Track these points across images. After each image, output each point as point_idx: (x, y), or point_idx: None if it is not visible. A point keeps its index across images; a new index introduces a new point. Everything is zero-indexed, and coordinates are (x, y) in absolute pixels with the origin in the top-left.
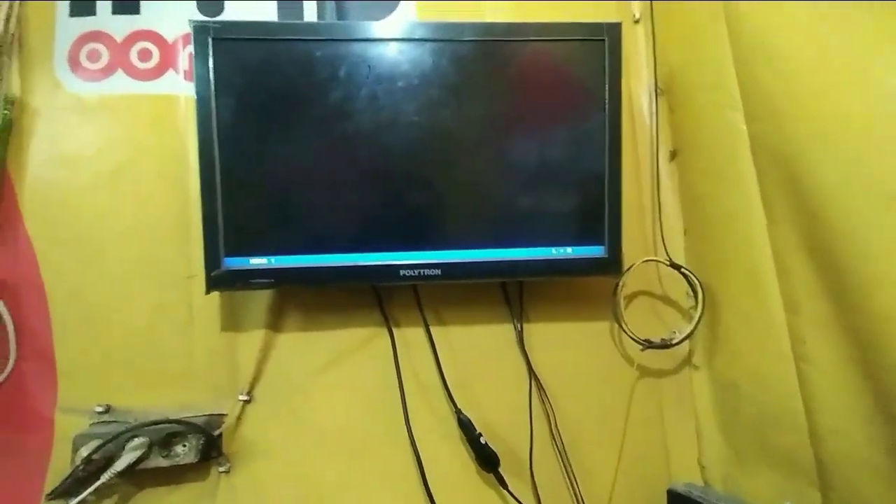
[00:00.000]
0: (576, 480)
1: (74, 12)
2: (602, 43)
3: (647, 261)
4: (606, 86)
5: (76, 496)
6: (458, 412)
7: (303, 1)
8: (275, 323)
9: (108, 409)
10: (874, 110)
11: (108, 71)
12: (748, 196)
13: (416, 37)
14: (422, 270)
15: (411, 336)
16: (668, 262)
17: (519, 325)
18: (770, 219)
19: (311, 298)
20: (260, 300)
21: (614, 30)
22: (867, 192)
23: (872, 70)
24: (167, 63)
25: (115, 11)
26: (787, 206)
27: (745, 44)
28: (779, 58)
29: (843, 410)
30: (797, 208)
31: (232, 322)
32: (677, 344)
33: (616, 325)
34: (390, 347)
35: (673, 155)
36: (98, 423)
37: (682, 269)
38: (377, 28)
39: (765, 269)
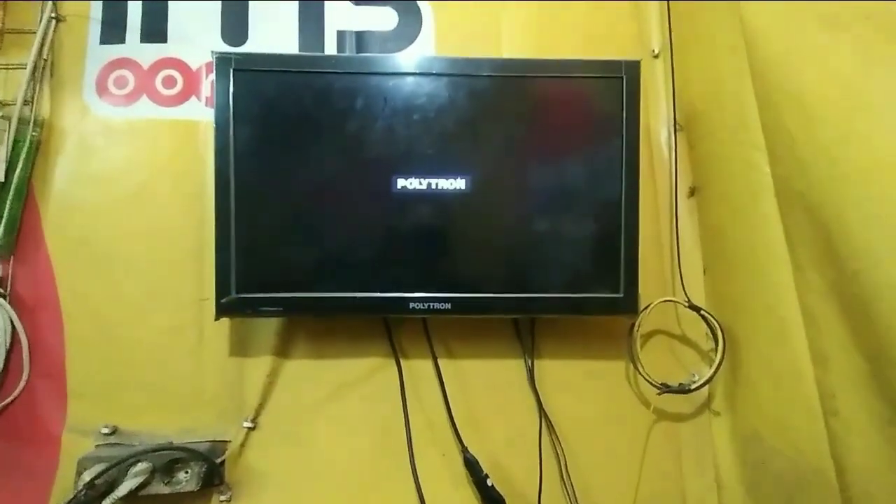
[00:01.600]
0: None
1: (105, 40)
2: (620, 81)
3: (664, 301)
4: (623, 124)
5: None
6: (464, 451)
7: (324, 30)
8: (283, 349)
9: (114, 431)
10: None
11: (133, 96)
12: (772, 239)
13: (434, 71)
14: (431, 304)
15: (419, 368)
16: (686, 304)
17: (530, 362)
18: (795, 265)
19: (319, 326)
20: (269, 325)
21: (632, 68)
22: None
23: None
24: (190, 90)
25: (143, 40)
26: (813, 253)
27: (768, 84)
28: (803, 101)
29: (879, 473)
30: (825, 256)
31: (240, 347)
32: (696, 389)
33: (631, 366)
34: (398, 379)
35: (692, 192)
36: (104, 444)
37: (702, 312)
38: (394, 61)
39: (790, 317)
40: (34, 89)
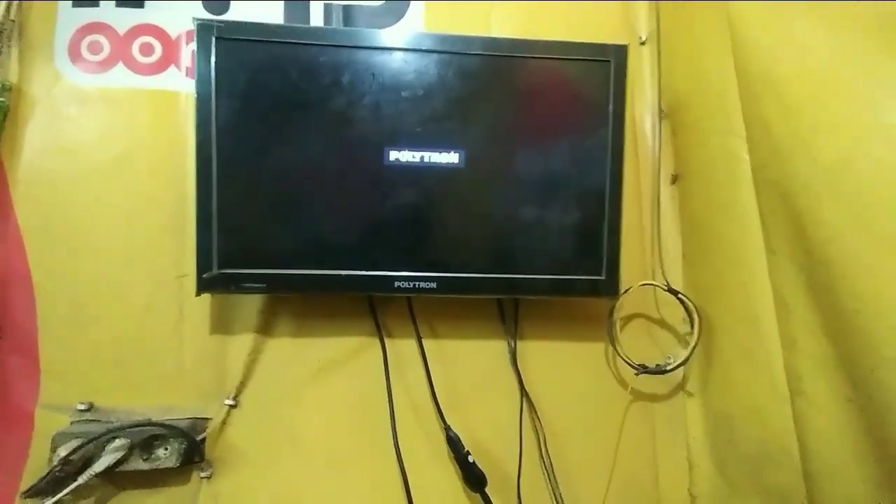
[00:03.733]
0: None
1: (77, 2)
2: (608, 64)
3: (644, 284)
4: (610, 108)
5: (53, 496)
6: (447, 428)
7: (310, 3)
8: (266, 327)
9: (90, 408)
10: (878, 150)
11: (108, 63)
12: (748, 226)
13: (423, 48)
14: (417, 283)
15: (403, 348)
16: (665, 287)
17: (513, 342)
18: (770, 251)
19: (303, 303)
20: (252, 303)
21: (620, 52)
22: (868, 233)
23: (877, 108)
24: (169, 59)
25: (119, 3)
26: (787, 240)
27: (750, 74)
28: (784, 92)
29: (839, 452)
30: (798, 243)
31: (222, 324)
32: (672, 370)
33: (611, 347)
34: (381, 358)
35: (674, 178)
36: (79, 421)
37: (679, 295)
38: (383, 36)
39: (763, 302)
40: (1, 52)
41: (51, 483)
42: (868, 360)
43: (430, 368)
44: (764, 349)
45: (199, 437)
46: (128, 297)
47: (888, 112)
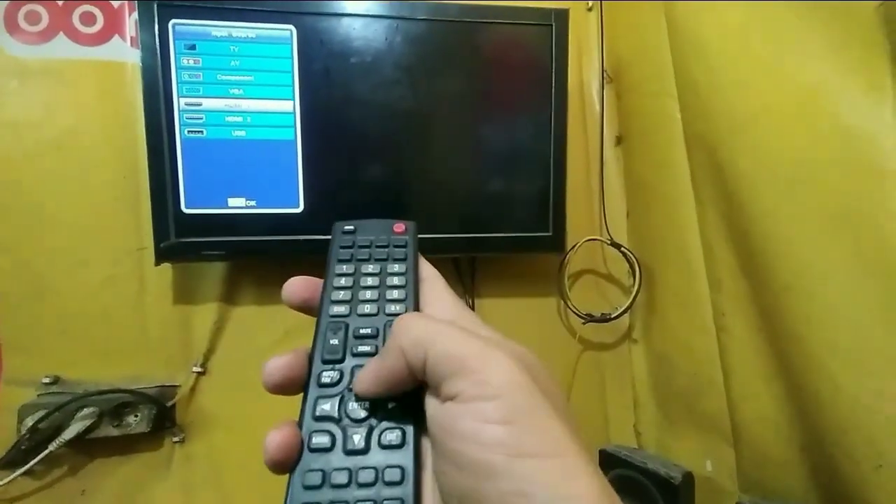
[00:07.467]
0: None
1: None
2: (549, 28)
3: (589, 240)
4: (553, 71)
5: (23, 466)
6: None
7: None
8: (229, 296)
9: (56, 381)
10: (783, 104)
11: (48, 34)
12: (681, 181)
13: (371, 13)
14: None
15: None
16: (608, 242)
17: (471, 300)
18: (698, 202)
19: (265, 271)
20: (214, 273)
21: (561, 16)
22: (773, 178)
23: (785, 67)
24: (112, 29)
25: None
26: (712, 191)
27: (681, 38)
28: (708, 52)
29: (753, 377)
30: (720, 193)
31: (185, 295)
32: (615, 318)
33: (562, 302)
34: None
35: (618, 140)
36: (45, 394)
37: (622, 248)
38: (330, 2)
39: (693, 249)
40: None
41: (20, 453)
42: (773, 292)
43: None
44: (695, 293)
45: (168, 404)
46: (87, 270)
47: (792, 74)
